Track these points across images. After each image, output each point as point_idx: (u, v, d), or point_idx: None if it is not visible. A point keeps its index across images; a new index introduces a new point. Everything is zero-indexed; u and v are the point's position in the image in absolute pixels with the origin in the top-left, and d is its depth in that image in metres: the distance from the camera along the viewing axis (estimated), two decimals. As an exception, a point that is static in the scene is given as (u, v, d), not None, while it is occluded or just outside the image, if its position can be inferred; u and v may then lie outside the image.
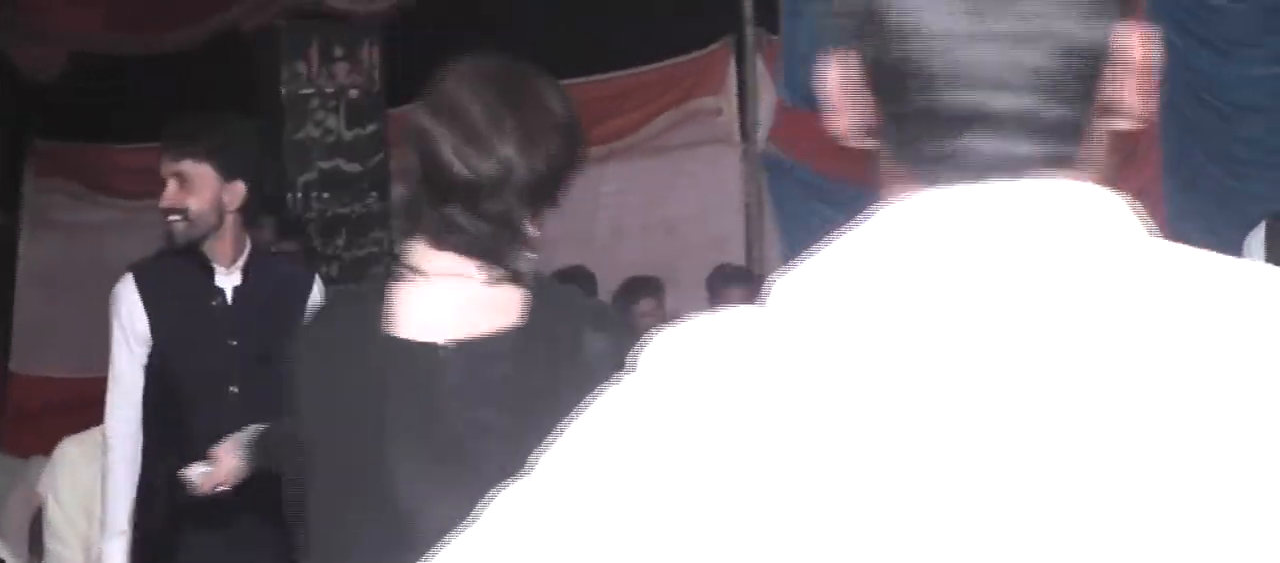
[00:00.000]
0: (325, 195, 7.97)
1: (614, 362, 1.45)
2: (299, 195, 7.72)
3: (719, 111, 8.82)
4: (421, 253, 2.65)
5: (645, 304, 6.80)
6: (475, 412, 2.67)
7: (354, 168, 8.05)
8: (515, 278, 2.67)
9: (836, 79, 1.23)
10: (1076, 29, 1.13)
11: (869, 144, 1.23)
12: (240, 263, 4.34)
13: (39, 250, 10.46)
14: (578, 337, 2.71)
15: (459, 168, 2.61)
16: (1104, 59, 1.14)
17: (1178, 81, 7.69)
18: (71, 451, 5.06)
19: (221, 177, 4.25)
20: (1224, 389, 1.03)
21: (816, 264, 1.16)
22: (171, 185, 4.22)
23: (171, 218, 4.25)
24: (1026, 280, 1.08)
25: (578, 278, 8.17)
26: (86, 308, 10.13)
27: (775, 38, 8.64)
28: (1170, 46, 7.85)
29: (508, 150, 2.62)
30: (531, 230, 2.68)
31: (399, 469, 2.64)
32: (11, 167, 10.48)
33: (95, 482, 4.54)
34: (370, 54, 8.13)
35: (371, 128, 8.12)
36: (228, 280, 4.33)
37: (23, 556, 5.38)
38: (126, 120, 10.08)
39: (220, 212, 4.26)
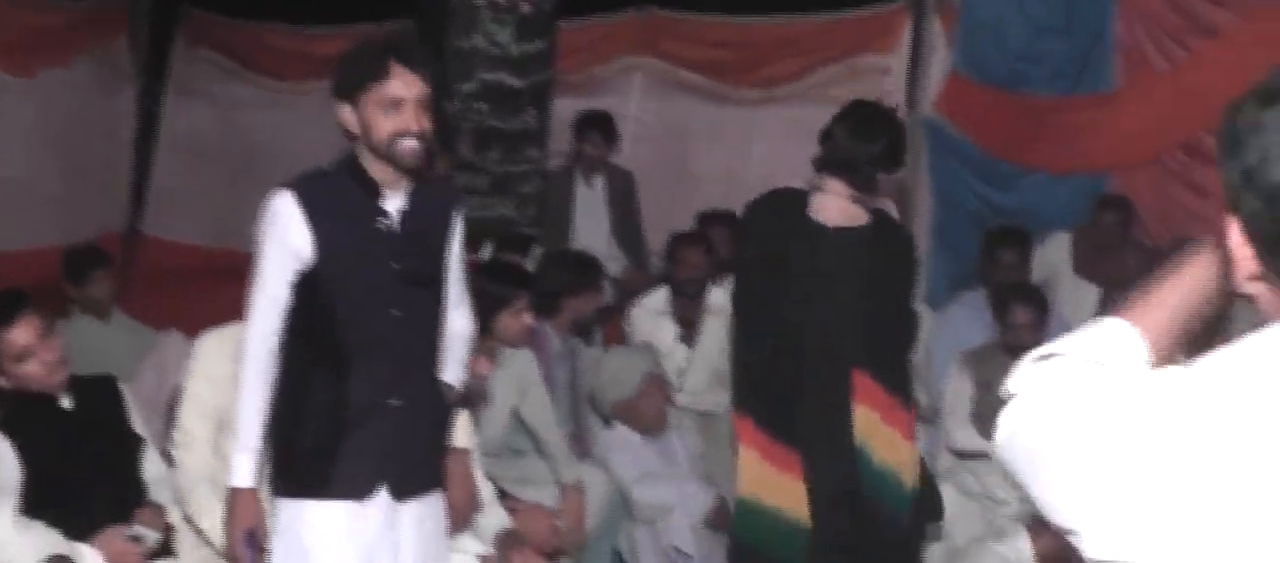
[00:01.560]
0: (484, 107, 7.88)
1: (906, 262, 5.52)
2: (457, 104, 7.63)
3: (887, 71, 8.68)
4: (824, 181, 5.27)
5: (1008, 256, 7.40)
6: (840, 263, 5.26)
7: (517, 83, 7.95)
8: (868, 203, 5.30)
9: (1234, 237, 1.65)
10: None
11: (1258, 288, 1.65)
12: (406, 185, 4.21)
13: (182, 118, 10.44)
14: (893, 242, 5.44)
15: (852, 148, 5.25)
16: None
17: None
18: (210, 347, 4.93)
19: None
20: None
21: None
22: (418, 110, 4.08)
23: (413, 143, 4.08)
24: None
25: (727, 219, 8.08)
26: (223, 180, 10.23)
27: (955, 2, 8.48)
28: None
29: (879, 144, 5.28)
30: (881, 177, 5.36)
31: (794, 292, 5.30)
32: (162, 33, 10.48)
33: (231, 383, 4.45)
34: (549, -30, 8.03)
35: (540, 44, 8.01)
36: (394, 203, 4.17)
37: (156, 429, 5.35)
38: (282, 2, 10.08)
39: None
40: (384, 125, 4.05)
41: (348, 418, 4.16)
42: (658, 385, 7.00)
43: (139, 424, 5.15)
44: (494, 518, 5.40)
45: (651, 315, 7.34)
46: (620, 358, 7.03)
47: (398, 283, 4.20)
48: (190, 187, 10.21)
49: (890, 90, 8.63)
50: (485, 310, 5.63)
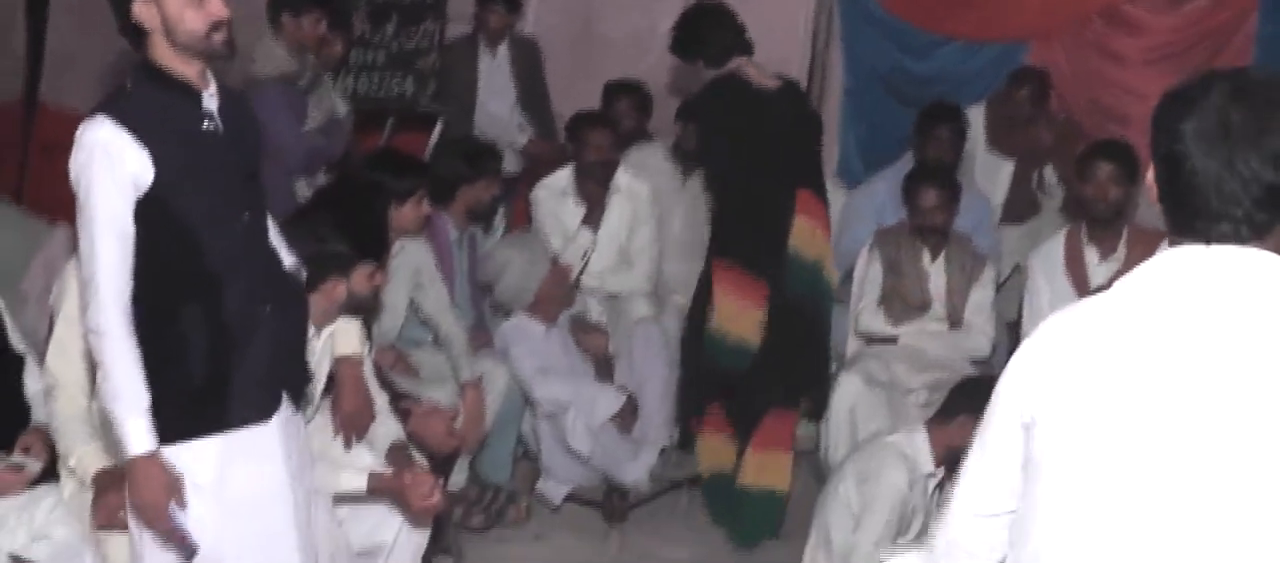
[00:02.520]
0: (377, -21, 7.61)
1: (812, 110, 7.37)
2: (349, -22, 7.37)
3: (797, -68, 8.47)
4: (735, 63, 6.42)
5: (943, 131, 7.29)
6: (778, 113, 6.42)
7: (410, -50, 7.68)
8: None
9: (1151, 173, 2.43)
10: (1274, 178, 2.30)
11: (1154, 196, 2.42)
12: (212, 80, 3.90)
13: (71, -23, 10.06)
14: (801, 96, 6.88)
15: (715, 35, 6.51)
16: None
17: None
18: (73, 283, 4.57)
19: None
20: None
21: (1137, 274, 2.40)
22: None
23: (225, 32, 3.81)
24: (1238, 300, 2.32)
25: (633, 90, 7.90)
26: (116, 44, 9.84)
27: None
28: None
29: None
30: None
31: (754, 145, 6.40)
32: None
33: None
34: None
35: (435, -91, 7.74)
36: (212, 102, 3.87)
37: (44, 335, 5.09)
38: None
39: None
40: (196, 17, 3.75)
41: (232, 339, 3.91)
42: (556, 262, 6.88)
43: (18, 340, 4.95)
44: (388, 428, 5.23)
45: (556, 196, 7.16)
46: (517, 251, 6.85)
47: (238, 184, 3.95)
48: (84, 51, 9.85)
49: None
50: (380, 205, 5.47)
